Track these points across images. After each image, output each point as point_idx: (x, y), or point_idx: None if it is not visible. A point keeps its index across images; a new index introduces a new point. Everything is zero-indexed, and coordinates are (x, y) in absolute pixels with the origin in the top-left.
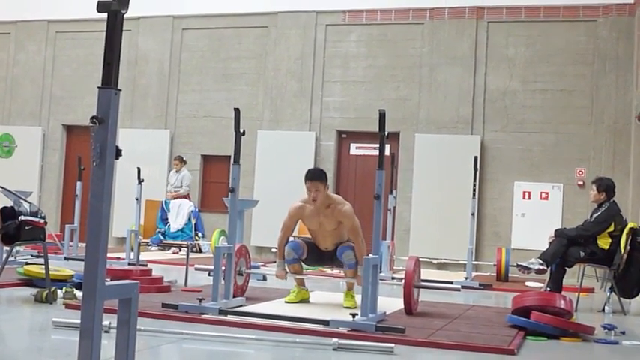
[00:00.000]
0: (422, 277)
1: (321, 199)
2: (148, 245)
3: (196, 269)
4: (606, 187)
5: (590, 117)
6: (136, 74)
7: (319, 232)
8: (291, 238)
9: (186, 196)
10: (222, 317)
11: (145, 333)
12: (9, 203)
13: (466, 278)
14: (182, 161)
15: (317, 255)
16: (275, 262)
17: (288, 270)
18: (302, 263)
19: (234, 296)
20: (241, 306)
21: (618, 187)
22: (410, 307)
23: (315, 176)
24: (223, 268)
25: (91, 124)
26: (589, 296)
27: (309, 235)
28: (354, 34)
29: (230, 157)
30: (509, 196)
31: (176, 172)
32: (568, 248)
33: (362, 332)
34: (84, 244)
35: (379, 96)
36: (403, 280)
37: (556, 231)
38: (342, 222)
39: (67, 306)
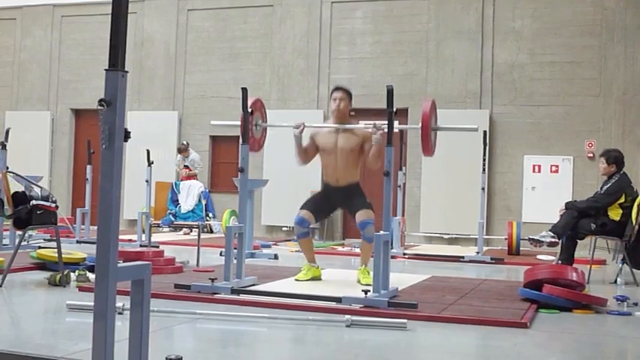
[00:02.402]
0: (432, 253)
1: (343, 109)
2: (159, 227)
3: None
4: (615, 158)
5: (599, 88)
6: (143, 56)
7: (333, 155)
8: (297, 214)
9: (195, 177)
10: (234, 297)
11: (158, 314)
12: (20, 188)
13: (477, 253)
14: (187, 148)
15: (327, 200)
16: (285, 241)
17: (299, 244)
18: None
19: (253, 150)
20: (253, 285)
21: (629, 157)
22: (428, 149)
23: (341, 87)
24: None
25: (99, 107)
26: (601, 268)
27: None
28: (359, 10)
29: (239, 137)
30: (519, 170)
31: (185, 158)
32: (579, 220)
33: (374, 309)
34: (95, 227)
35: (386, 72)
36: (420, 123)
37: (567, 203)
38: (364, 142)
39: (81, 289)
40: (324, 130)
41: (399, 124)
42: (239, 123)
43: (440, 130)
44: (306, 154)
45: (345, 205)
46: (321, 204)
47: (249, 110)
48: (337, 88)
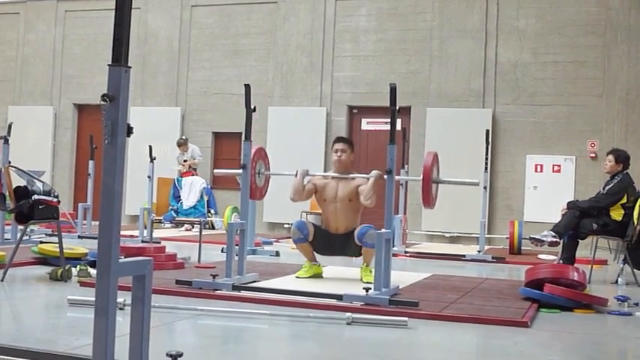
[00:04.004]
0: (434, 251)
1: (345, 160)
2: (161, 223)
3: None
4: (624, 158)
5: (602, 88)
6: (146, 52)
7: (333, 205)
8: (297, 218)
9: (195, 172)
10: (235, 293)
11: (159, 310)
12: (22, 182)
13: (479, 252)
14: (185, 142)
15: (325, 241)
16: (287, 238)
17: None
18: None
19: (254, 198)
20: (254, 282)
21: (631, 158)
22: (428, 202)
23: (343, 138)
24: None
25: (101, 102)
26: (602, 268)
27: (320, 217)
28: (363, 8)
29: (241, 133)
30: (521, 169)
31: (184, 152)
32: (581, 220)
33: (375, 306)
34: (97, 223)
35: (390, 70)
36: (421, 175)
37: (568, 203)
38: (360, 185)
39: (82, 284)
40: (326, 181)
41: (402, 123)
42: (240, 171)
43: (441, 183)
44: (302, 191)
45: (342, 249)
46: (322, 237)
47: (254, 155)
48: (339, 140)
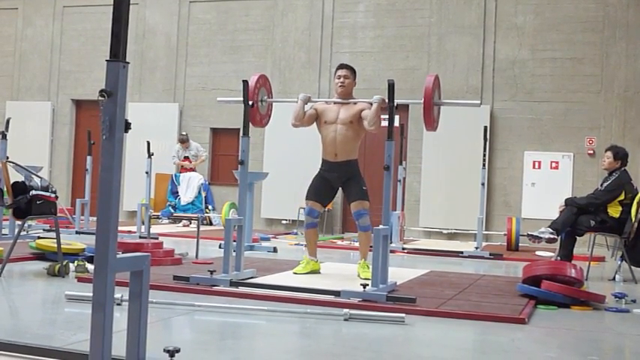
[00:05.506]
0: (431, 248)
1: (348, 86)
2: (159, 218)
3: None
4: (623, 155)
5: (600, 85)
6: (144, 48)
7: (333, 126)
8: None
9: (194, 169)
10: (233, 289)
11: (156, 305)
12: (20, 178)
13: (476, 248)
14: (187, 138)
15: (327, 188)
16: (285, 234)
17: (303, 231)
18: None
19: (256, 125)
20: (252, 278)
21: (629, 155)
22: (430, 123)
23: (346, 65)
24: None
25: (99, 98)
26: (600, 265)
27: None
28: (362, 4)
29: (239, 129)
30: (519, 166)
31: (185, 149)
32: (578, 217)
33: (373, 303)
34: (95, 218)
35: (388, 66)
36: (423, 98)
37: (566, 200)
38: (363, 110)
39: (79, 279)
40: (327, 106)
41: (400, 119)
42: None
43: (443, 105)
44: (303, 117)
45: (343, 186)
46: (323, 188)
47: (250, 103)
48: (342, 66)
